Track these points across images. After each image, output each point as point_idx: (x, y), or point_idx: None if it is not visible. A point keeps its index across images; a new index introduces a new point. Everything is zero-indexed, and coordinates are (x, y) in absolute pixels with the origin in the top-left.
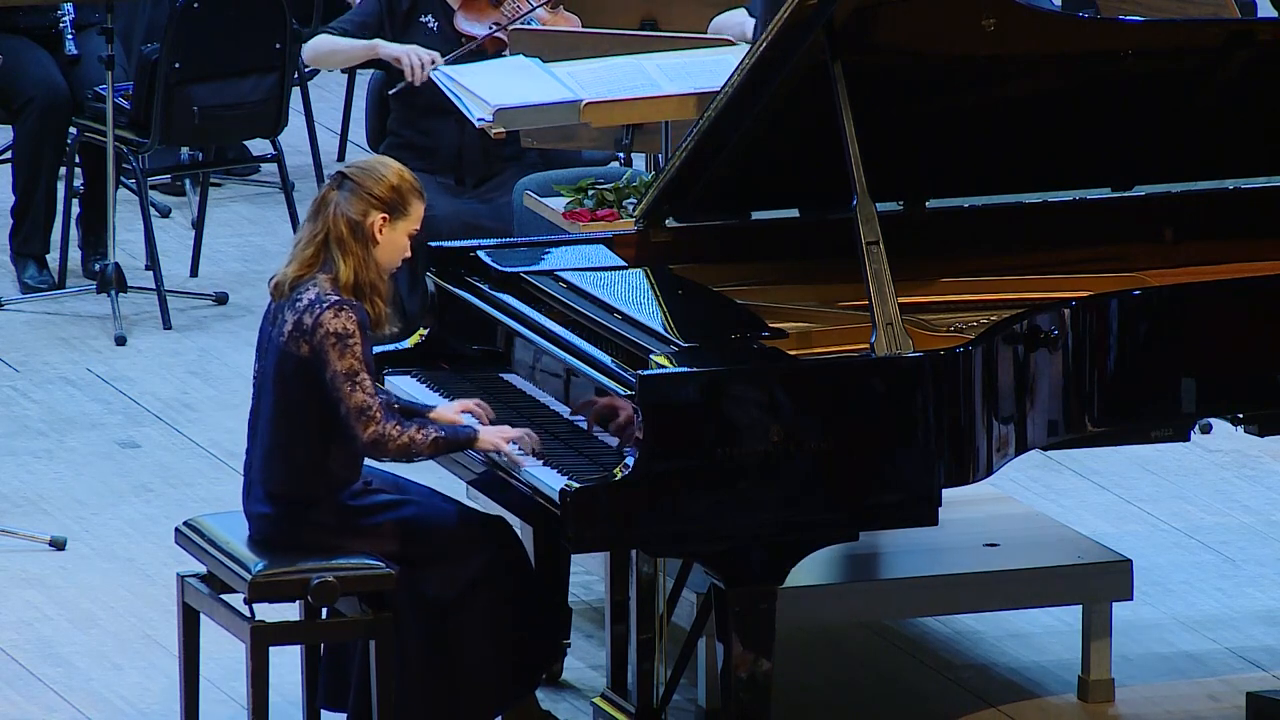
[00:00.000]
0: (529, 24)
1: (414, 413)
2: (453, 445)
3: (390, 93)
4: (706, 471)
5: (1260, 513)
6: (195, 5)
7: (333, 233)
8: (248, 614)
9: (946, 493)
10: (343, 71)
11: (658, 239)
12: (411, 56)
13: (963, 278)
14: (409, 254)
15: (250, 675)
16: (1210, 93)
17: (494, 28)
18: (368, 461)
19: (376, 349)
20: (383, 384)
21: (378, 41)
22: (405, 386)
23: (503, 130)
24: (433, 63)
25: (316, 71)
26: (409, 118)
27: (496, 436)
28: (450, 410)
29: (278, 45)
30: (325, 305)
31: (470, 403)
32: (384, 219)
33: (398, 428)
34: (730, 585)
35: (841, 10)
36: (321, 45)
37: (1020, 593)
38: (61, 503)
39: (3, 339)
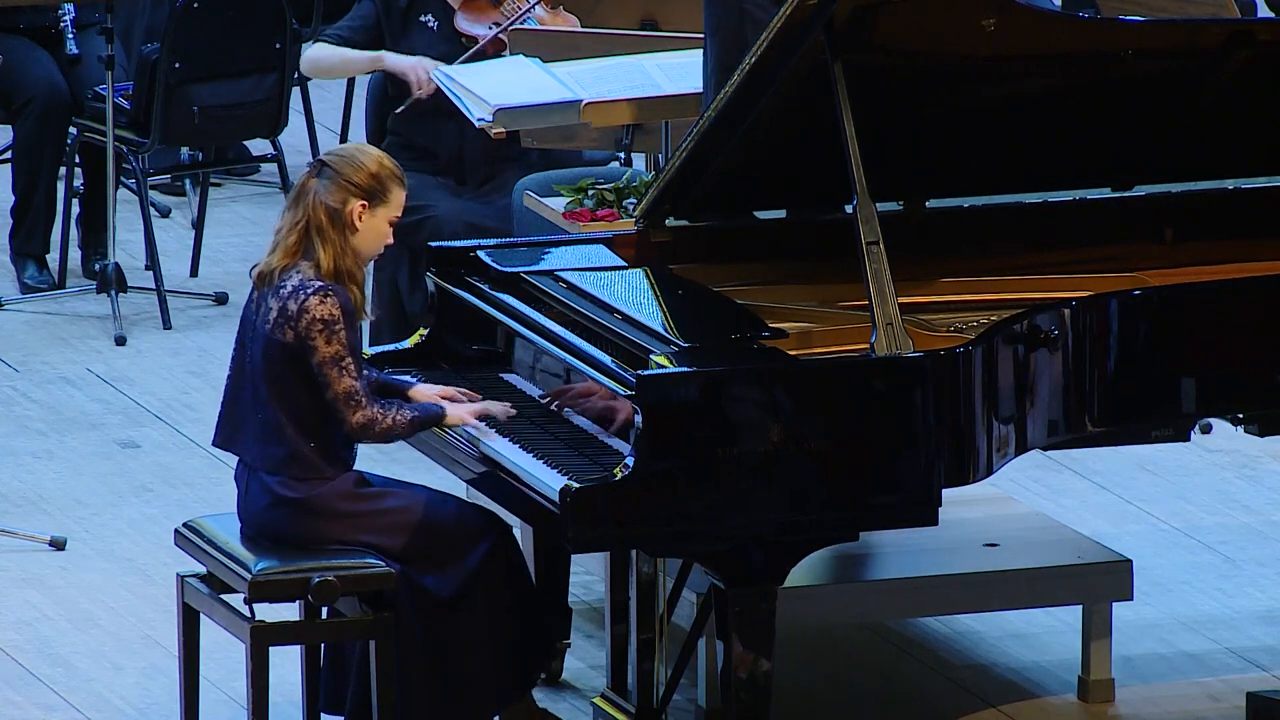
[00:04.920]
0: (528, 24)
1: (392, 389)
2: (426, 423)
3: (397, 111)
4: (706, 471)
5: (1260, 513)
6: (195, 5)
7: (312, 220)
8: (248, 614)
9: (946, 493)
10: None
11: (658, 239)
12: (419, 70)
13: (963, 278)
14: (391, 240)
15: (250, 675)
16: (1210, 93)
17: (494, 27)
18: (365, 464)
19: (378, 349)
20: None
21: (384, 53)
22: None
23: (503, 130)
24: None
25: None
26: (410, 118)
27: (463, 411)
28: (430, 392)
29: (278, 45)
30: (310, 291)
31: (452, 390)
32: (363, 206)
33: (382, 411)
34: (730, 585)
35: (841, 10)
36: (321, 57)
37: (1020, 593)
38: (61, 503)
39: (3, 339)
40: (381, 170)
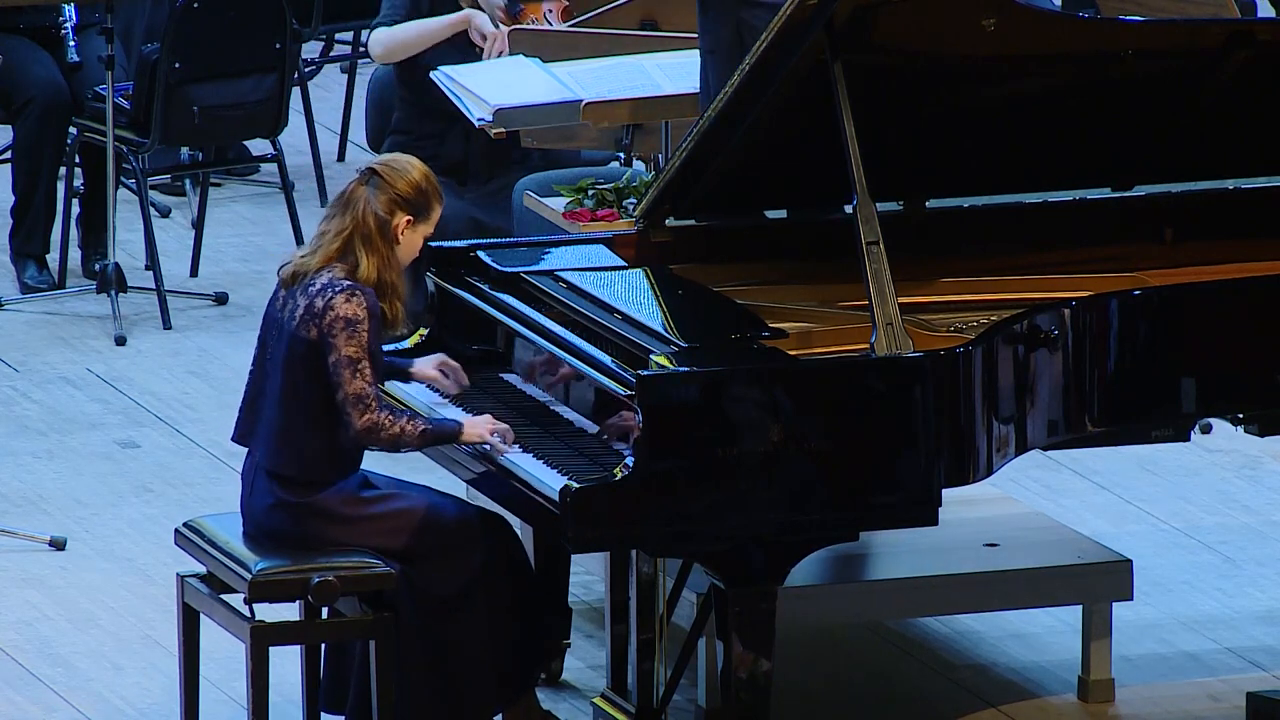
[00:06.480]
0: None
1: (394, 370)
2: (439, 438)
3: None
4: (706, 471)
5: (1260, 513)
6: (195, 5)
7: (360, 228)
8: (248, 614)
9: (946, 493)
10: (342, 71)
11: (658, 239)
12: (499, 43)
13: (963, 278)
14: (417, 254)
15: (250, 675)
16: (1210, 93)
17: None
18: (366, 464)
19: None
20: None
21: (471, 11)
22: (405, 387)
23: (503, 130)
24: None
25: (316, 71)
26: (416, 116)
27: (482, 428)
28: (429, 367)
29: (278, 45)
30: (338, 290)
31: (437, 362)
32: (408, 221)
33: (390, 417)
34: (730, 585)
35: (841, 10)
36: (396, 35)
37: (1020, 593)
38: (61, 503)
39: (3, 339)
40: (426, 184)
